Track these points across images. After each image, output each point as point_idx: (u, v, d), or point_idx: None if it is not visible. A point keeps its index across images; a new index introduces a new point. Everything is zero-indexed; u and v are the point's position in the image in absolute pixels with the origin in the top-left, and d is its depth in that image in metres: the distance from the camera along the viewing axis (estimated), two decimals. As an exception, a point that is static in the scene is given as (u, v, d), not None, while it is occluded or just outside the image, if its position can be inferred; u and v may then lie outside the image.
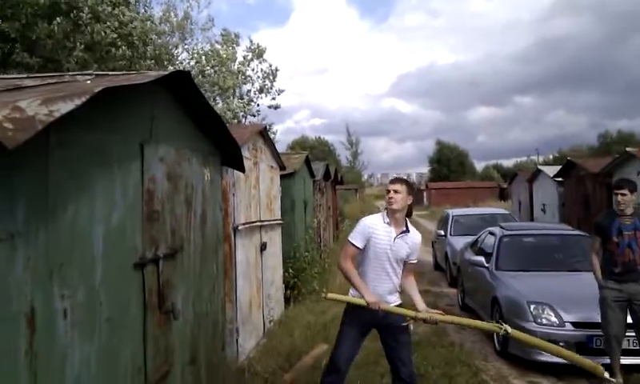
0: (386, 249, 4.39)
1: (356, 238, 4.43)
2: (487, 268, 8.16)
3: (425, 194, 60.53)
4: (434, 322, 4.40)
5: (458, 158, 75.16)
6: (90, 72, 3.40)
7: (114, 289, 2.83)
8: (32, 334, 2.16)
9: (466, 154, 78.12)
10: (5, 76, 3.69)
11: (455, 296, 10.40)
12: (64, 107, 2.01)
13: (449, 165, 73.34)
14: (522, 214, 25.84)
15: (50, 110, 1.94)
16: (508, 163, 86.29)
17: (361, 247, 4.42)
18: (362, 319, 4.42)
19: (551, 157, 67.59)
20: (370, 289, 4.37)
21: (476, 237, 10.28)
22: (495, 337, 7.22)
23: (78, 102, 2.08)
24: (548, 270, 7.83)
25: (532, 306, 6.49)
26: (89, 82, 2.90)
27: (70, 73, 3.52)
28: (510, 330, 4.33)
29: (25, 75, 3.40)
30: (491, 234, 9.32)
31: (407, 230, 4.48)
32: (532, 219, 24.05)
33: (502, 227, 9.31)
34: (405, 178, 4.84)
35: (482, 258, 8.42)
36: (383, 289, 4.45)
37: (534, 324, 6.37)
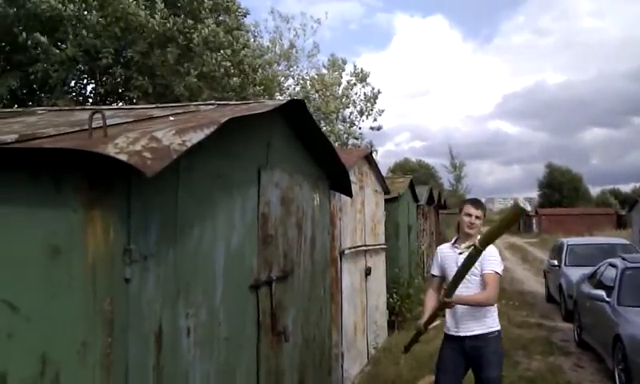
0: (453, 268, 4.21)
1: (432, 267, 4.66)
2: (608, 303, 7.58)
3: (534, 220, 57.54)
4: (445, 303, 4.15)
5: (571, 182, 70.77)
6: (212, 102, 3.60)
7: (231, 309, 2.94)
8: (159, 350, 2.29)
9: (580, 178, 73.45)
10: (136, 106, 3.99)
11: (570, 331, 9.76)
12: (195, 137, 2.13)
13: (560, 189, 69.26)
14: (644, 244, 23.83)
15: (183, 139, 2.07)
16: (626, 188, 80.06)
17: (436, 274, 4.54)
18: (448, 350, 4.34)
19: (677, 182, 62.03)
20: (451, 311, 4.30)
21: (594, 268, 9.60)
22: (617, 377, 6.66)
23: (207, 131, 2.21)
24: (678, 306, 7.12)
25: (661, 347, 5.93)
26: (211, 111, 3.06)
27: (194, 103, 3.74)
28: (477, 241, 3.68)
29: (153, 106, 3.66)
30: (612, 265, 8.66)
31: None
32: (656, 250, 22.09)
33: (623, 258, 8.63)
34: (483, 203, 4.67)
35: (602, 292, 7.83)
36: (462, 311, 4.25)
37: None
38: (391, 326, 9.02)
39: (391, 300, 9.41)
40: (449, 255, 4.42)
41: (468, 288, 4.20)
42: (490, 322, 4.27)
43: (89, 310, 2.01)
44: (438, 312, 4.31)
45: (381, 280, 8.52)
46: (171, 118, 2.85)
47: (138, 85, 11.06)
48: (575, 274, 10.89)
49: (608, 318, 7.40)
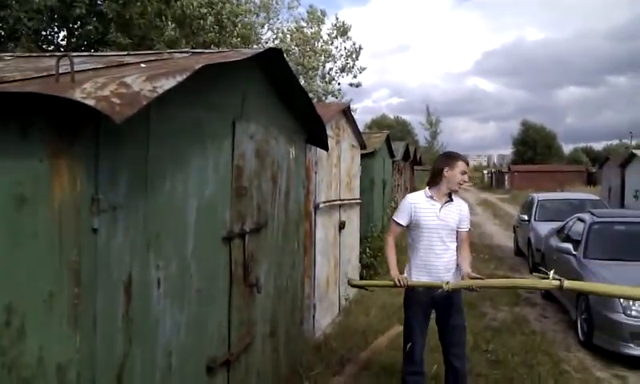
0: (433, 221, 4.29)
1: (398, 216, 4.43)
2: (575, 256, 7.79)
3: (506, 176, 58.34)
4: (474, 288, 4.22)
5: (545, 139, 71.63)
6: (186, 50, 3.49)
7: (203, 261, 2.93)
8: (128, 301, 2.27)
9: (554, 136, 74.33)
10: (106, 53, 3.86)
11: (537, 284, 10.03)
12: (167, 84, 2.07)
13: (535, 147, 70.10)
14: (612, 201, 24.41)
15: (154, 86, 2.01)
16: (598, 146, 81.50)
17: (404, 224, 4.39)
18: (420, 300, 4.34)
19: (646, 141, 63.31)
20: (423, 265, 4.31)
21: (563, 223, 9.83)
22: (580, 327, 6.92)
23: (179, 78, 2.14)
24: (640, 260, 7.36)
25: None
26: (185, 58, 2.97)
27: (168, 50, 3.63)
28: (566, 282, 3.86)
29: (125, 53, 3.54)
30: (580, 220, 8.87)
31: (451, 200, 4.37)
32: (622, 206, 22.66)
33: (592, 213, 8.83)
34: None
35: (569, 245, 8.03)
36: (437, 264, 4.30)
37: (623, 316, 6.05)
38: (363, 279, 9.14)
39: (364, 255, 9.52)
40: (426, 208, 4.33)
41: (445, 244, 4.30)
42: (457, 273, 4.37)
43: (55, 260, 1.97)
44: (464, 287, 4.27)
45: (354, 234, 8.59)
46: (143, 65, 2.76)
47: (115, 41, 10.68)
48: (544, 228, 11.11)
49: (573, 270, 7.61)
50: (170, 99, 2.36)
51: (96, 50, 11.59)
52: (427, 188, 4.44)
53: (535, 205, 13.29)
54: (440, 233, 4.30)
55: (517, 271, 11.83)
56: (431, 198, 4.36)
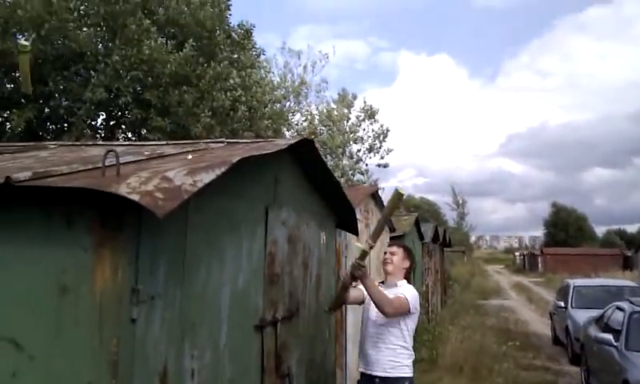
0: (368, 303, 4.17)
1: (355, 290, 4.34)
2: (616, 347, 7.47)
3: (539, 259, 57.08)
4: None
5: (577, 221, 70.46)
6: (221, 140, 3.63)
7: (236, 350, 2.91)
8: (163, 391, 2.26)
9: (585, 218, 73.12)
10: (148, 143, 4.03)
11: (578, 375, 9.61)
12: (206, 177, 2.15)
13: (566, 229, 68.91)
14: (651, 287, 23.55)
15: (194, 180, 2.08)
16: (631, 229, 79.41)
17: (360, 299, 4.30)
18: None
19: (683, 224, 61.54)
20: (360, 349, 4.25)
21: (601, 311, 9.50)
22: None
23: (218, 172, 2.22)
24: (687, 352, 7.00)
25: (671, 394, 5.82)
26: (221, 149, 3.09)
27: (204, 140, 3.78)
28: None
29: (164, 142, 3.70)
30: (619, 309, 8.58)
31: (396, 285, 4.21)
32: (663, 293, 21.82)
33: (631, 302, 8.54)
34: (403, 243, 4.75)
35: (609, 336, 7.73)
36: (368, 348, 4.13)
37: None
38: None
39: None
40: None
41: (378, 328, 4.11)
42: (396, 364, 4.09)
43: (95, 350, 1.99)
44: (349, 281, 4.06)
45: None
46: (189, 157, 2.86)
47: (156, 125, 11.21)
48: (582, 316, 10.78)
49: (616, 362, 7.29)
50: (207, 189, 2.44)
51: (138, 134, 12.15)
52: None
53: (571, 291, 12.95)
54: (371, 314, 4.14)
55: (556, 361, 11.36)
56: (382, 283, 4.32)
